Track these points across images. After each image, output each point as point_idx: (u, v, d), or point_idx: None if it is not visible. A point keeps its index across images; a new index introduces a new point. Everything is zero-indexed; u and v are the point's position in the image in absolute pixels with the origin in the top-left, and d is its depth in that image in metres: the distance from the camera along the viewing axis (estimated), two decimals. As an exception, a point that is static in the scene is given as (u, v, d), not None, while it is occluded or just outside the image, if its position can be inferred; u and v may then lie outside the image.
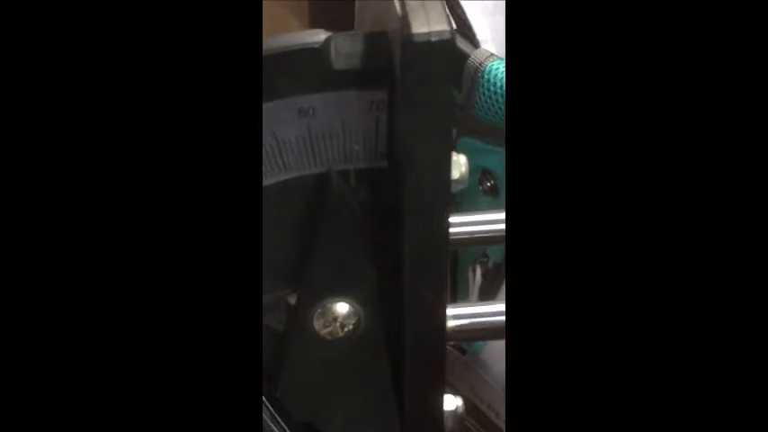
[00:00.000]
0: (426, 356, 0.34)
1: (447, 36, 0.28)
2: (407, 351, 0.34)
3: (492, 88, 0.51)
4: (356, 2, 0.37)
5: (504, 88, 0.50)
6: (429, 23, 0.28)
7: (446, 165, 0.30)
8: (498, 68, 0.51)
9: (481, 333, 0.35)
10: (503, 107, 0.51)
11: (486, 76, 0.51)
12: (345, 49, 0.31)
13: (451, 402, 0.35)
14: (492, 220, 0.36)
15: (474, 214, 0.36)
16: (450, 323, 0.34)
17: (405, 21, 0.29)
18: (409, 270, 0.32)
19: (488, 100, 0.51)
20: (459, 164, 0.33)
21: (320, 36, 0.31)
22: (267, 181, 0.32)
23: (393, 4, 0.30)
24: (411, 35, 0.28)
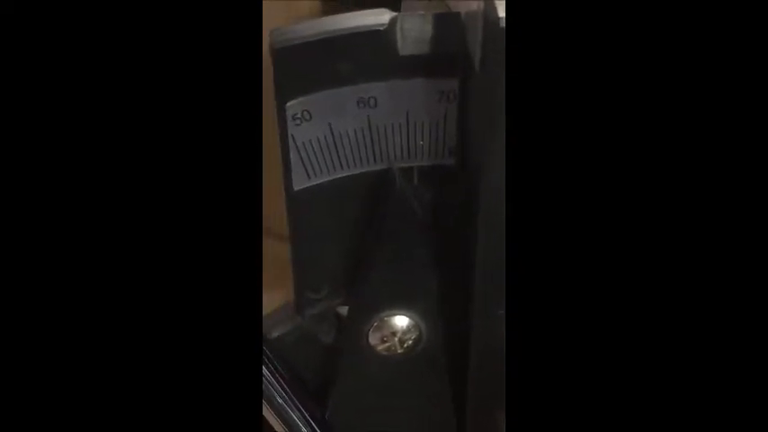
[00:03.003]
0: (493, 377, 0.30)
1: (538, 20, 0.25)
2: (472, 369, 0.30)
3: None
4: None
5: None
6: (517, 5, 0.25)
7: (529, 165, 0.27)
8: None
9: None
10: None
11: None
12: (413, 32, 0.28)
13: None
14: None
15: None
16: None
17: (488, 0, 0.25)
18: (480, 282, 0.28)
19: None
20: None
21: (384, 17, 0.27)
22: (320, 178, 0.29)
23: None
24: (497, 19, 0.25)
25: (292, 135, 0.28)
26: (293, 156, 0.28)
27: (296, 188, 0.29)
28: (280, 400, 0.31)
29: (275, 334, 0.31)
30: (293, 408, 0.31)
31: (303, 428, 0.31)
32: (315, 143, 0.28)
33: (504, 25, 0.24)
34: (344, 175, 0.29)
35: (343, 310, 0.31)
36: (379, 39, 0.27)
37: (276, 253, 0.30)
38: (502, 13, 0.25)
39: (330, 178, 0.29)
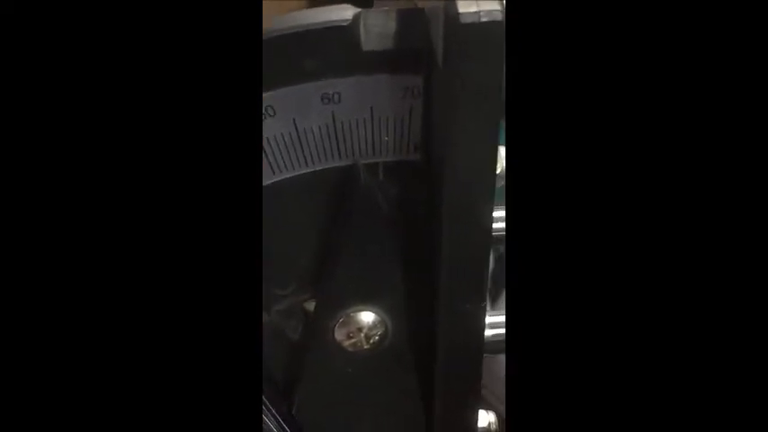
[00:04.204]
0: (461, 372, 0.30)
1: (498, 16, 0.25)
2: (439, 366, 0.30)
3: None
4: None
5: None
6: (477, 0, 0.25)
7: (493, 159, 0.27)
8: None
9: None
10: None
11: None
12: (377, 28, 0.27)
13: (484, 419, 0.32)
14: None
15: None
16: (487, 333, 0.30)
17: (449, -4, 0.25)
18: (446, 276, 0.28)
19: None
20: (501, 157, 0.29)
21: (348, 12, 0.27)
22: (285, 174, 0.29)
23: (431, -25, 0.26)
24: (457, 14, 0.25)
25: (257, 131, 0.28)
26: (258, 152, 0.28)
27: (261, 184, 0.29)
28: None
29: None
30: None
31: (270, 424, 0.31)
32: (279, 139, 0.28)
33: (465, 21, 0.24)
34: (309, 170, 0.29)
35: (311, 305, 0.31)
36: (342, 34, 0.27)
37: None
38: (462, 8, 0.25)
39: (295, 174, 0.29)
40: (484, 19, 0.25)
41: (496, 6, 0.25)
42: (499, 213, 0.29)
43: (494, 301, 0.40)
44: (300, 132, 0.28)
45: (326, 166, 0.29)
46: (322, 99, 0.28)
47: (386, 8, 0.28)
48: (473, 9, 0.25)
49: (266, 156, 0.28)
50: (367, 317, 0.30)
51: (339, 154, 0.29)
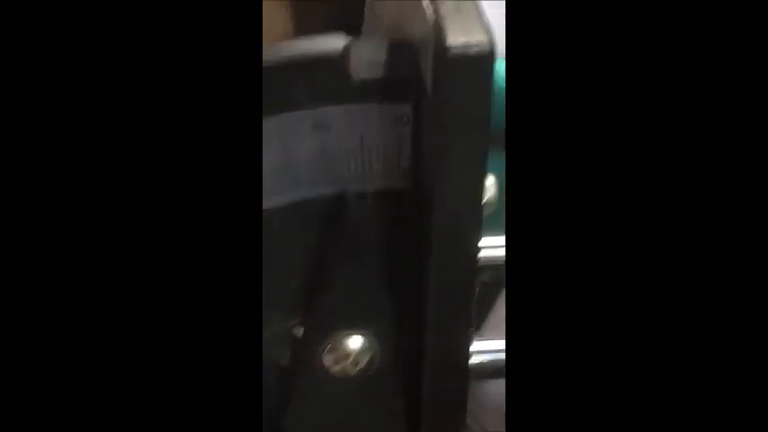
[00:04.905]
0: (447, 398, 0.31)
1: (486, 48, 0.25)
2: (426, 392, 0.30)
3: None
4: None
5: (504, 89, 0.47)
6: (466, 32, 0.25)
7: (480, 188, 0.27)
8: (498, 68, 0.48)
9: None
10: (503, 109, 0.47)
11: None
12: (367, 58, 0.28)
13: (470, 444, 0.32)
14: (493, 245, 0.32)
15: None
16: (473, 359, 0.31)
17: (438, 28, 0.26)
18: (434, 303, 0.29)
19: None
20: (489, 185, 0.30)
21: (339, 42, 0.28)
22: (276, 201, 0.29)
23: (421, 5, 0.27)
24: (446, 46, 0.25)
25: (248, 158, 0.28)
26: (249, 178, 0.29)
27: (251, 211, 0.29)
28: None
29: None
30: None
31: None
32: (270, 166, 0.29)
33: (454, 53, 0.25)
34: (300, 197, 0.29)
35: (299, 331, 0.31)
36: (334, 64, 0.28)
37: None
38: (452, 40, 0.25)
39: (286, 201, 0.29)
40: (473, 51, 0.25)
41: (485, 38, 0.25)
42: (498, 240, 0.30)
43: (477, 328, 0.41)
44: (292, 159, 0.29)
45: (317, 193, 0.29)
46: (313, 127, 0.28)
47: (376, 38, 0.29)
48: (462, 41, 0.25)
49: (257, 182, 0.29)
50: (355, 342, 0.30)
51: (329, 181, 0.29)
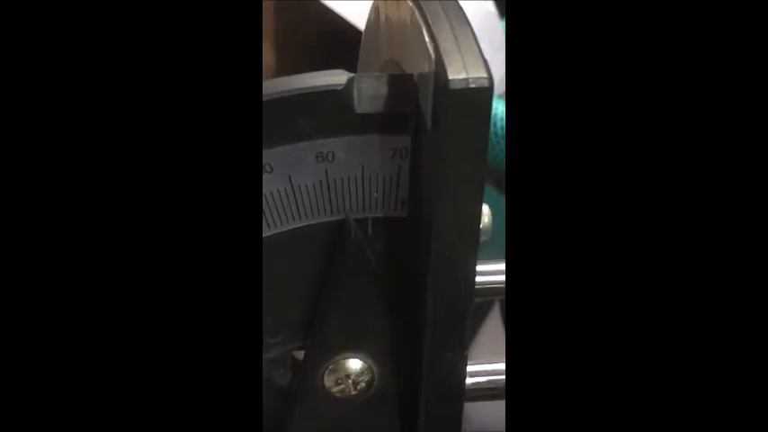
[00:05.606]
0: (443, 419, 0.32)
1: (485, 84, 0.27)
2: (423, 412, 0.32)
3: (492, 129, 0.49)
4: (365, 29, 0.35)
5: (505, 129, 0.49)
6: (466, 68, 0.27)
7: (477, 218, 0.28)
8: (497, 108, 0.50)
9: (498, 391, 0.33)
10: (503, 149, 0.49)
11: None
12: (369, 92, 0.29)
13: (464, 465, 0.33)
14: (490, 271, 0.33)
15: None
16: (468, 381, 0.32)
17: (439, 63, 0.27)
18: (431, 327, 0.30)
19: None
20: (483, 215, 0.31)
21: (342, 77, 0.29)
22: (279, 228, 0.30)
23: (421, 39, 0.28)
24: (447, 80, 0.26)
25: (254, 187, 0.30)
26: (255, 206, 0.30)
27: (256, 237, 0.30)
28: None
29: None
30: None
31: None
32: (275, 194, 0.30)
33: (454, 87, 0.26)
34: (302, 225, 0.31)
35: (300, 354, 0.32)
36: (337, 97, 0.29)
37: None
38: (452, 75, 0.27)
39: (289, 228, 0.30)
40: (472, 86, 0.27)
41: (484, 74, 0.27)
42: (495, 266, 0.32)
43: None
44: (295, 188, 0.30)
45: (319, 221, 0.31)
46: (316, 157, 0.30)
47: (378, 73, 0.30)
48: (462, 76, 0.27)
49: (263, 210, 0.30)
50: (355, 364, 0.32)
51: (331, 209, 0.30)
